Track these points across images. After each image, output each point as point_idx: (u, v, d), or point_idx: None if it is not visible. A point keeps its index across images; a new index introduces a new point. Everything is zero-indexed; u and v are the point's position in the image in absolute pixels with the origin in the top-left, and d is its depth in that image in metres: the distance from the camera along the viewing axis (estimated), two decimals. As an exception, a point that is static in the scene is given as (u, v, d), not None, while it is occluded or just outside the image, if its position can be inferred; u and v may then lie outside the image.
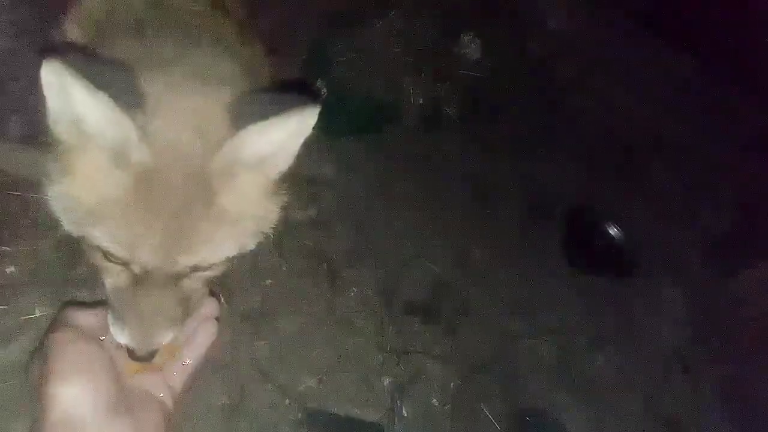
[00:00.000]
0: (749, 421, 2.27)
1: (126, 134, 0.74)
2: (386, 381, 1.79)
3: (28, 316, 1.45)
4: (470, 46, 2.45)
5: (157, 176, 0.77)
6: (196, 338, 0.94)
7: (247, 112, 0.79)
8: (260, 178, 0.87)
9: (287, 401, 1.64)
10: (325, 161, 2.05)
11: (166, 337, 0.89)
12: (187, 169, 0.78)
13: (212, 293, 1.02)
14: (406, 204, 2.11)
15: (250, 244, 0.93)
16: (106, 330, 0.86)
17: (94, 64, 0.75)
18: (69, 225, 0.84)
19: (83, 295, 1.50)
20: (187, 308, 0.93)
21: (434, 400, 1.83)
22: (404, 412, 1.77)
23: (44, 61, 0.69)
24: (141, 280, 0.84)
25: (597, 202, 2.39)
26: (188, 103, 0.81)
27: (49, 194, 0.83)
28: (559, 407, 1.97)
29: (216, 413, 1.55)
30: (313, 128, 0.84)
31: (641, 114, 2.78)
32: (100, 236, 0.80)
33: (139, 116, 0.76)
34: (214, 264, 0.88)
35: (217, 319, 0.97)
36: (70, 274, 1.54)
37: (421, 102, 2.29)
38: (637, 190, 2.58)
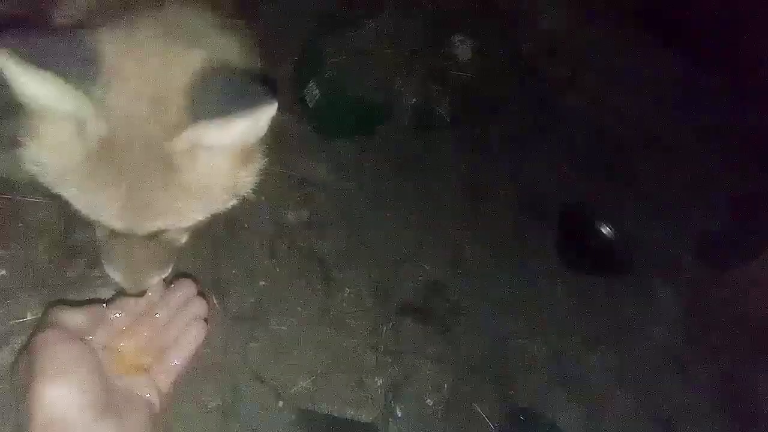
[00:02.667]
0: (743, 419, 2.28)
1: (81, 108, 0.74)
2: (380, 381, 1.79)
3: (19, 320, 1.44)
4: (461, 47, 2.45)
5: (114, 148, 0.77)
6: (184, 339, 0.94)
7: (205, 100, 0.78)
8: (227, 154, 0.86)
9: (281, 403, 1.64)
10: (318, 162, 2.05)
11: (154, 280, 0.95)
12: (145, 145, 0.77)
13: (203, 294, 1.03)
14: (399, 204, 2.11)
15: (226, 205, 0.94)
16: (92, 330, 0.86)
17: (42, 37, 0.73)
18: (45, 184, 0.85)
19: (76, 297, 1.50)
20: (171, 252, 0.98)
21: (428, 400, 1.83)
22: (398, 412, 1.77)
23: None
24: (118, 235, 0.87)
25: (589, 202, 2.40)
26: (146, 76, 0.79)
27: (22, 155, 0.83)
28: (552, 406, 1.97)
29: (209, 415, 1.54)
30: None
31: (633, 113, 2.79)
32: (68, 199, 0.83)
33: (95, 88, 0.75)
34: (184, 226, 0.90)
35: (206, 320, 0.98)
36: (62, 277, 1.53)
37: (413, 102, 2.29)
38: (629, 189, 2.58)
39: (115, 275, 0.92)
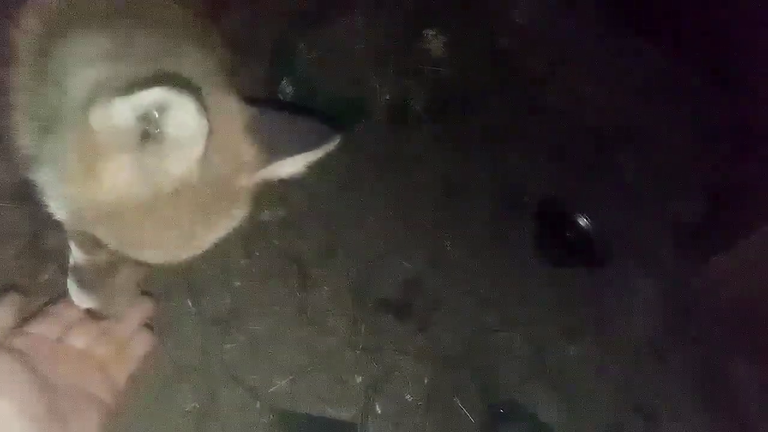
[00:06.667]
0: (723, 408, 2.30)
1: (187, 152, 0.74)
2: (359, 379, 1.78)
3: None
4: (434, 42, 2.44)
5: (187, 191, 0.78)
6: (139, 334, 0.95)
7: (275, 140, 0.88)
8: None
9: (258, 404, 1.63)
10: (294, 160, 2.03)
11: (125, 305, 0.97)
12: (218, 188, 0.82)
13: (147, 294, 1.07)
14: (377, 201, 2.10)
15: None
16: (14, 320, 0.86)
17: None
18: (70, 219, 0.85)
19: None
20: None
21: (408, 396, 1.83)
22: (378, 409, 1.77)
23: (168, 87, 0.67)
24: (126, 262, 0.89)
25: (568, 194, 2.40)
26: (219, 119, 0.80)
27: (61, 190, 0.83)
28: (532, 399, 1.98)
29: (186, 418, 1.53)
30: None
31: (611, 105, 2.80)
32: (109, 235, 0.82)
33: None
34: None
35: (150, 326, 1.00)
36: (33, 283, 1.51)
37: (388, 98, 2.28)
38: (607, 181, 2.59)
39: (88, 300, 0.91)
